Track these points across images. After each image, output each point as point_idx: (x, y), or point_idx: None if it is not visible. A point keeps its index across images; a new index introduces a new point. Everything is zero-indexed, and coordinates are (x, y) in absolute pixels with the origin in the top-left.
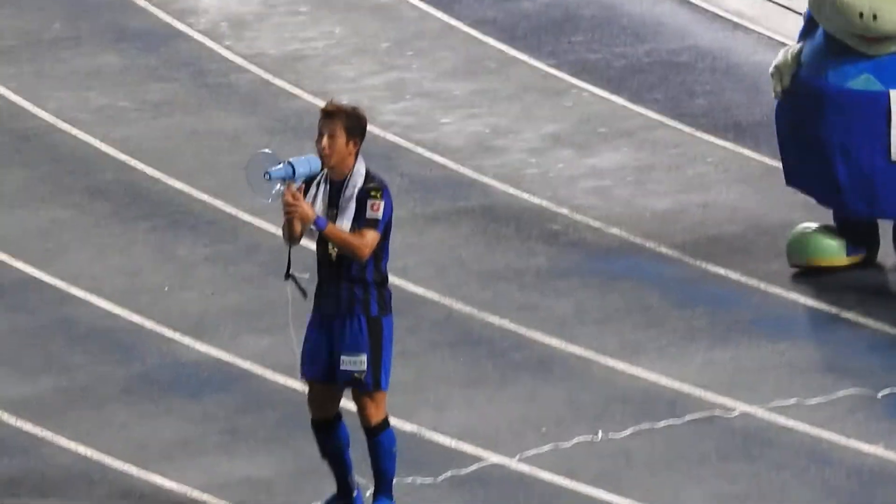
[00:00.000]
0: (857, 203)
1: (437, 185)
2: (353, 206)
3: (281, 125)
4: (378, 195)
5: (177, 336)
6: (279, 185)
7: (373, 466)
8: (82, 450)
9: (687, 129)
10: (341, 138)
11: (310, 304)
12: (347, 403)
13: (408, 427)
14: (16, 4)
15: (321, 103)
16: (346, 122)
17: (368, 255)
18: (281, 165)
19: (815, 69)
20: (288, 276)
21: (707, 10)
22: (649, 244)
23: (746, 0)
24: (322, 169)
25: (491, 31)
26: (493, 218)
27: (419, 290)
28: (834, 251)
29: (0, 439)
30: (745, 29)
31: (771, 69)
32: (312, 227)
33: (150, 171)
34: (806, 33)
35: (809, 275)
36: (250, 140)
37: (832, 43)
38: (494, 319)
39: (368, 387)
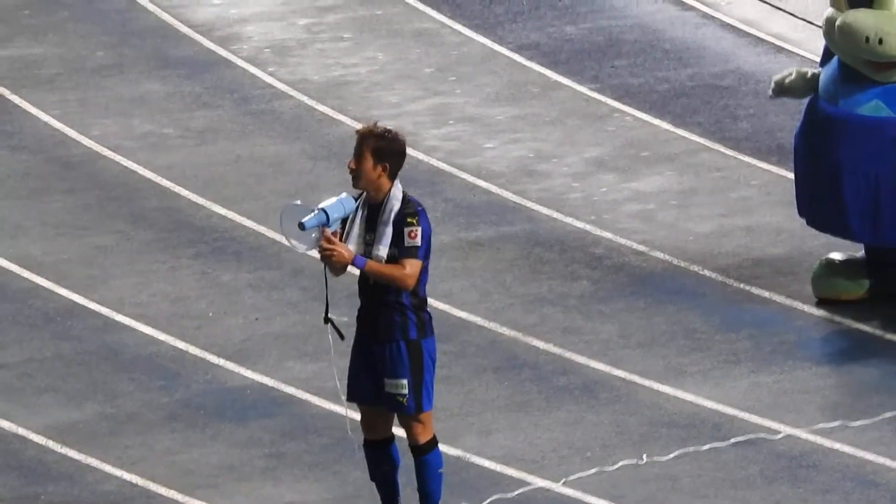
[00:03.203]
0: (863, 230)
1: (481, 210)
2: (389, 231)
3: (324, 151)
4: (414, 221)
5: (221, 362)
6: (315, 233)
7: (419, 488)
8: (127, 476)
9: (730, 152)
10: (368, 161)
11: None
12: (399, 429)
13: (452, 451)
14: (59, 32)
15: None
16: (375, 144)
17: (413, 284)
18: (313, 213)
19: (828, 95)
20: (327, 320)
21: (750, 34)
22: (693, 268)
23: (789, 23)
24: (356, 202)
25: (534, 56)
26: (537, 242)
27: (463, 315)
28: (848, 287)
29: (45, 466)
30: (788, 52)
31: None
32: (352, 266)
33: (193, 197)
34: (824, 60)
35: (833, 304)
36: (294, 166)
37: (845, 69)
38: (539, 344)
39: (411, 410)
